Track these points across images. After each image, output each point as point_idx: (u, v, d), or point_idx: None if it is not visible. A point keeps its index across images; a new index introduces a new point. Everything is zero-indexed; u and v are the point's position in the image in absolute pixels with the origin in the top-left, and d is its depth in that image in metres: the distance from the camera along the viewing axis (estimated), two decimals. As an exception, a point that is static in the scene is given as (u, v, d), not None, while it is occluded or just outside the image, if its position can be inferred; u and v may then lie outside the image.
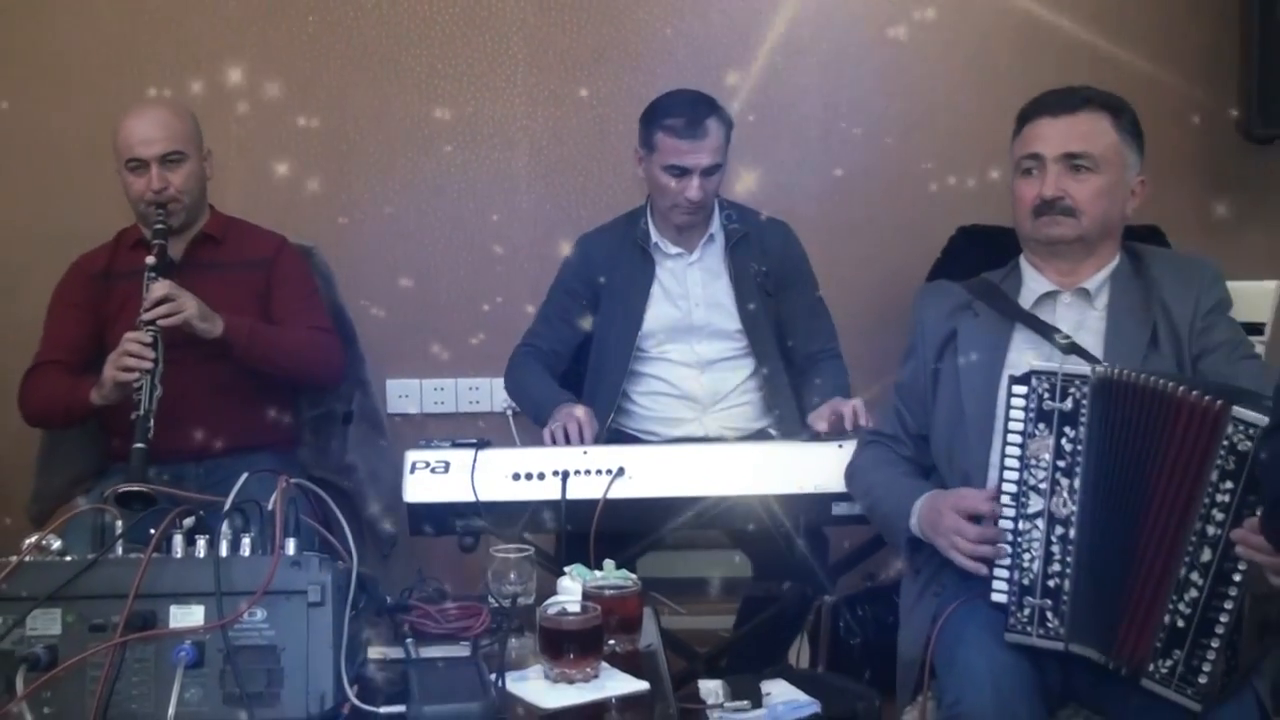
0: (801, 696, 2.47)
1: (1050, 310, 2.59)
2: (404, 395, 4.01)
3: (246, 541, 2.06)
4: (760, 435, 3.34)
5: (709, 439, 3.33)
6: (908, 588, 2.63)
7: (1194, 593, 2.11)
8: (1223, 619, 2.09)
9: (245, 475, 2.12)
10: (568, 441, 3.09)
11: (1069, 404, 2.28)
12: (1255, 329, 2.74)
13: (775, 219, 3.51)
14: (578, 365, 3.50)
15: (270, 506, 2.08)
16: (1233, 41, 3.71)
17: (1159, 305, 2.54)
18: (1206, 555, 2.10)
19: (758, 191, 3.80)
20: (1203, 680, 2.10)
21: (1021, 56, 3.84)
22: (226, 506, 2.08)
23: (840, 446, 2.91)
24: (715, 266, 3.41)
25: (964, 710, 2.24)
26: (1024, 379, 2.33)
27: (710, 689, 2.46)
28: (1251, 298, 2.82)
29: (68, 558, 2.06)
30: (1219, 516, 2.08)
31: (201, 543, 2.05)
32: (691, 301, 3.39)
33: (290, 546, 2.05)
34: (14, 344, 3.46)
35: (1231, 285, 2.73)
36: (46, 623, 2.01)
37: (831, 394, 3.18)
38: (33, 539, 2.08)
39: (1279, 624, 3.36)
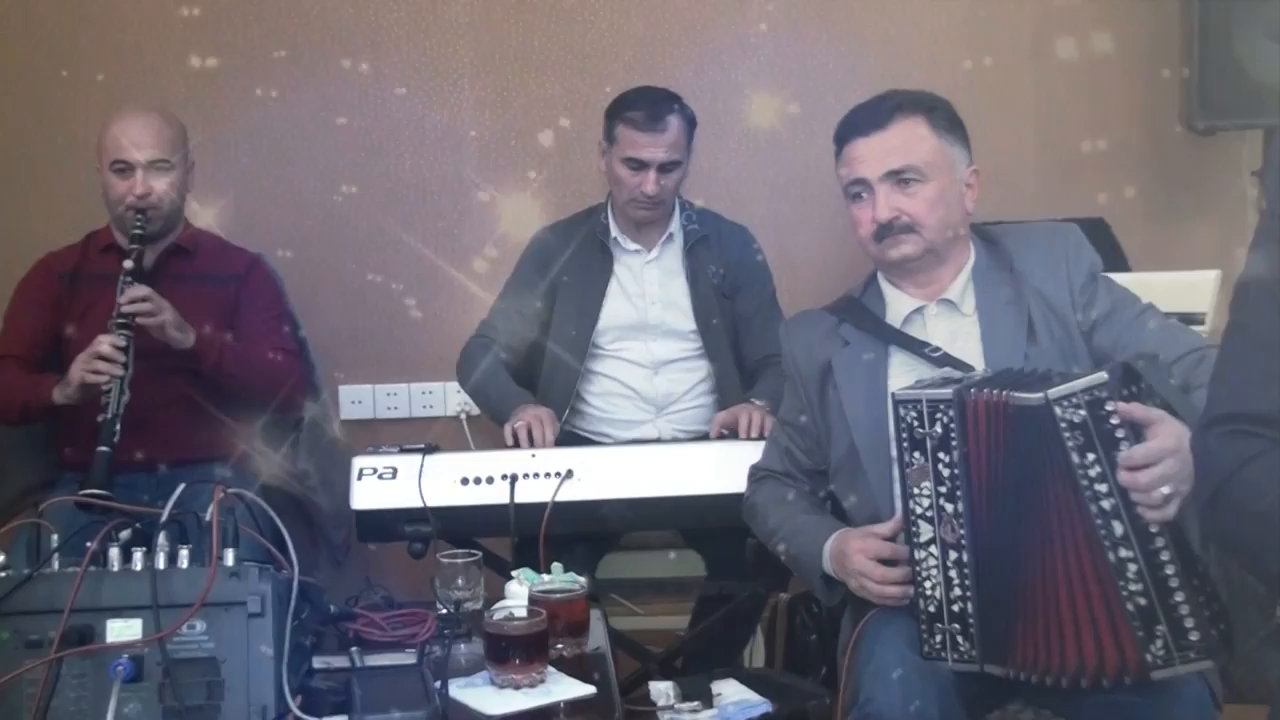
0: (753, 696, 2.49)
1: (920, 325, 2.53)
2: (356, 401, 3.96)
3: (185, 553, 2.02)
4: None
5: (661, 441, 3.32)
6: (845, 626, 2.57)
7: (1133, 567, 2.06)
8: (1169, 571, 2.04)
9: (181, 486, 2.10)
10: (531, 441, 3.07)
11: (939, 429, 2.22)
12: (1196, 319, 2.73)
13: (736, 223, 3.50)
14: (529, 363, 3.47)
15: (208, 517, 2.04)
16: (1174, 38, 3.72)
17: (1031, 294, 2.48)
18: (1119, 529, 2.07)
19: (711, 195, 3.77)
20: (1196, 637, 2.05)
21: (972, 54, 3.83)
22: (163, 518, 2.04)
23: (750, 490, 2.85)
24: (673, 266, 3.40)
25: (873, 710, 2.21)
26: (895, 406, 2.28)
27: (661, 690, 2.48)
28: (1194, 287, 2.81)
29: (4, 573, 2.01)
30: (1103, 489, 2.05)
31: (139, 555, 2.02)
32: (648, 300, 3.39)
33: (229, 557, 2.03)
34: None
35: (1174, 275, 2.73)
36: None
37: (762, 395, 3.17)
38: None
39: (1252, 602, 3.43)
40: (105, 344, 2.93)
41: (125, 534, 2.04)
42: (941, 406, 2.16)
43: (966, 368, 2.37)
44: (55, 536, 2.09)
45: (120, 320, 2.98)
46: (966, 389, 2.16)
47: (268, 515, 2.17)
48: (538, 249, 3.48)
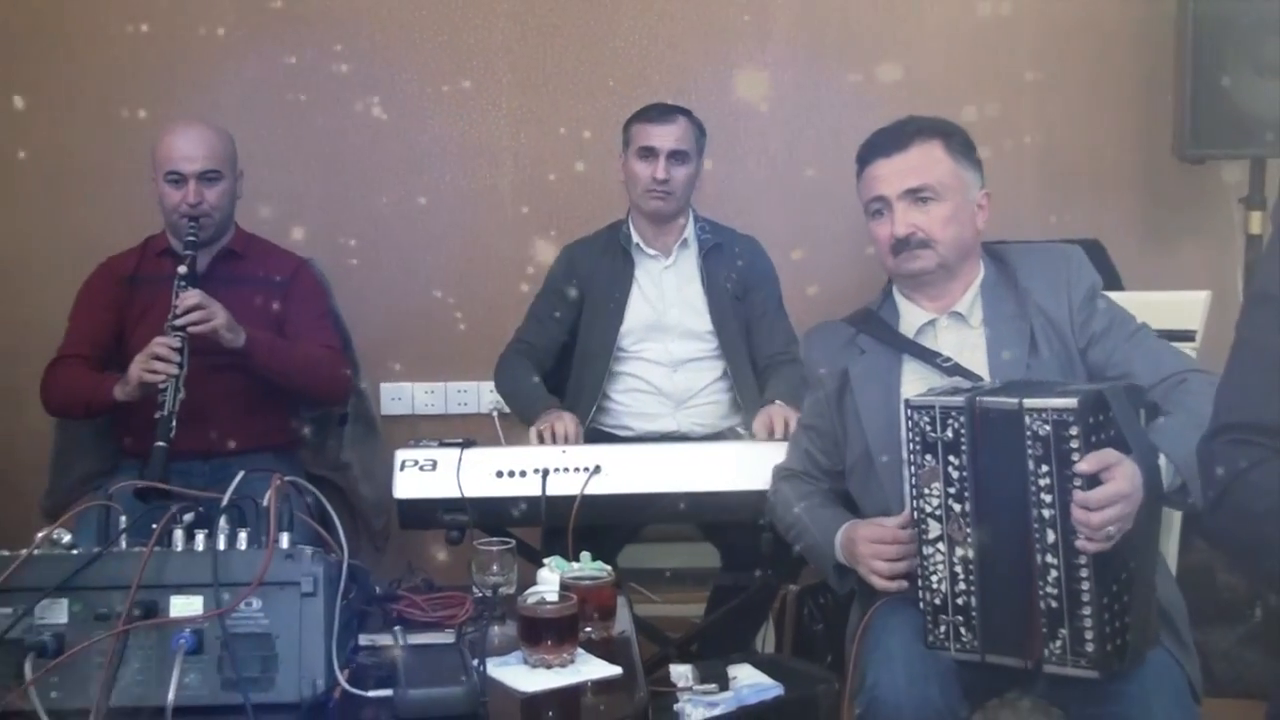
0: (766, 680, 2.48)
1: (932, 336, 2.52)
2: (396, 398, 3.98)
3: (243, 536, 2.02)
4: (729, 433, 3.32)
5: (680, 435, 3.32)
6: (854, 613, 2.58)
7: (1054, 574, 2.09)
8: (1085, 587, 2.07)
9: (241, 473, 2.09)
10: (554, 440, 3.07)
11: (950, 434, 2.21)
12: (1187, 336, 2.71)
13: (746, 234, 3.50)
14: (560, 366, 3.48)
15: (265, 503, 2.04)
16: (1167, 72, 3.70)
17: (1034, 309, 2.47)
18: (1051, 537, 2.09)
19: (728, 210, 3.77)
20: (1090, 649, 2.08)
21: (976, 88, 3.84)
22: (224, 503, 2.04)
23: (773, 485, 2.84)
24: (689, 271, 3.41)
25: (880, 694, 2.21)
26: (909, 411, 2.27)
27: (680, 673, 2.47)
28: (1185, 306, 2.78)
29: (75, 551, 2.02)
30: (1047, 499, 2.07)
31: (201, 537, 2.02)
32: (666, 303, 3.40)
33: (284, 540, 2.02)
34: (29, 347, 3.45)
35: (1166, 295, 2.71)
36: (54, 612, 1.98)
37: (780, 395, 3.16)
38: (42, 533, 2.04)
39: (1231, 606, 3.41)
40: (161, 346, 2.93)
41: (189, 517, 2.04)
42: (954, 413, 2.16)
43: (975, 377, 2.36)
44: (124, 518, 2.08)
45: (176, 323, 2.97)
46: (976, 397, 2.17)
47: (320, 502, 2.17)
48: (566, 262, 3.49)
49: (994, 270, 2.53)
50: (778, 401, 3.11)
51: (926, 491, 2.21)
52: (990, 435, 2.14)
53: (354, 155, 3.96)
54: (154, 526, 2.03)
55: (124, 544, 2.05)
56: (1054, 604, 2.08)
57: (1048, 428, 2.04)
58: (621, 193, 3.47)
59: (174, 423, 2.87)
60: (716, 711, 2.38)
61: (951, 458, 2.18)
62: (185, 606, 1.98)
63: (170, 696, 1.88)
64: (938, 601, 2.20)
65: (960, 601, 2.20)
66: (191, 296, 2.98)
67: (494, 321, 3.76)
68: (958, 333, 2.49)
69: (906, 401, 2.25)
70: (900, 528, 2.31)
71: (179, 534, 2.02)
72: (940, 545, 2.20)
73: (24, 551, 1.98)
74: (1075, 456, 2.02)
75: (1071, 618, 2.07)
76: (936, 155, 2.47)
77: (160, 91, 3.88)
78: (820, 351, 2.62)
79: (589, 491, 2.82)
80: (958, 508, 2.18)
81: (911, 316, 2.52)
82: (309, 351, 3.22)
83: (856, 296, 2.94)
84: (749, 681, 2.47)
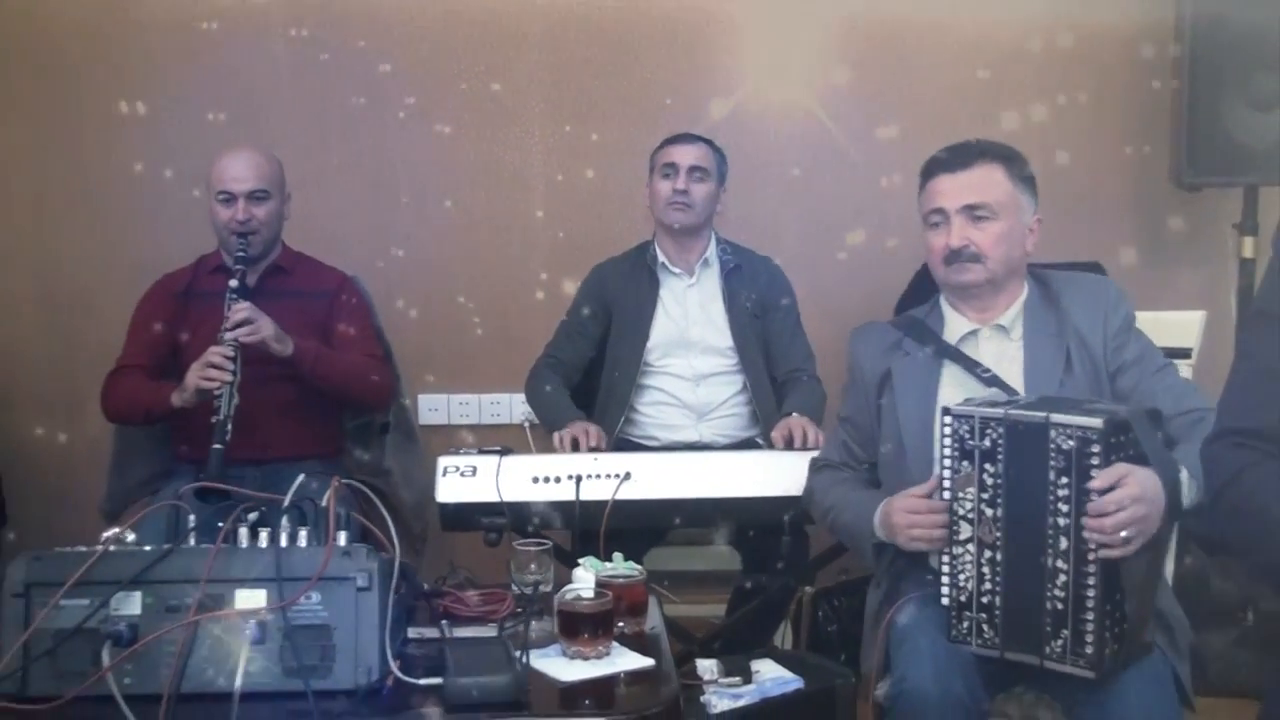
0: (787, 674, 2.51)
1: (974, 345, 2.55)
2: (433, 409, 4.02)
3: (304, 534, 2.06)
4: (749, 444, 3.32)
5: (702, 444, 3.34)
6: (871, 596, 2.59)
7: (1063, 578, 2.12)
8: (1090, 593, 2.10)
9: (302, 476, 2.12)
10: (576, 448, 3.10)
11: (987, 443, 2.23)
12: (1183, 353, 2.74)
13: (764, 256, 3.52)
14: (587, 379, 3.49)
15: (324, 503, 2.07)
16: (1166, 106, 3.74)
17: (1071, 331, 2.50)
18: (1064, 544, 2.12)
19: (749, 234, 3.80)
20: (1089, 650, 2.11)
21: (981, 119, 3.86)
22: (286, 503, 2.08)
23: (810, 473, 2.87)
24: (711, 291, 3.43)
25: (908, 686, 2.23)
26: (949, 418, 2.29)
27: (706, 667, 2.50)
28: (1181, 325, 2.81)
29: (146, 547, 2.05)
30: (1064, 509, 2.10)
31: (264, 535, 2.05)
32: (689, 320, 3.41)
33: (341, 539, 2.05)
34: (90, 359, 3.50)
35: (1163, 315, 2.74)
36: (128, 604, 2.00)
37: (797, 408, 3.18)
38: (111, 532, 2.08)
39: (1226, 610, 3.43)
40: (216, 355, 2.97)
41: (252, 516, 2.07)
42: (992, 424, 2.20)
43: (1011, 390, 2.40)
44: (192, 517, 2.13)
45: (229, 334, 3.01)
46: (1009, 410, 2.20)
47: (374, 504, 2.21)
48: (595, 280, 3.51)
49: (1037, 291, 2.56)
50: (795, 414, 3.13)
51: (960, 495, 2.24)
52: (1019, 446, 2.17)
53: (395, 180, 4.02)
54: (220, 525, 2.06)
55: (192, 541, 2.08)
56: (1059, 605, 2.12)
57: (1071, 443, 2.08)
58: (640, 218, 3.53)
59: (229, 426, 2.90)
60: (741, 703, 2.41)
61: (987, 465, 2.22)
62: (250, 599, 1.99)
63: (237, 683, 1.91)
64: (963, 599, 2.24)
65: (985, 600, 2.23)
66: (242, 308, 3.02)
67: (524, 338, 3.79)
68: (998, 344, 2.53)
69: (946, 409, 2.27)
70: (925, 494, 2.34)
71: (243, 532, 2.05)
72: (970, 546, 2.24)
73: (99, 547, 2.01)
74: (1094, 472, 2.06)
75: (1075, 620, 2.11)
76: (997, 177, 2.50)
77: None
78: (865, 349, 2.66)
79: (620, 497, 2.84)
80: (989, 512, 2.21)
81: (956, 325, 2.56)
82: (353, 360, 3.25)
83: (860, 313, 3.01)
84: (771, 675, 2.50)
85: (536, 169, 4.04)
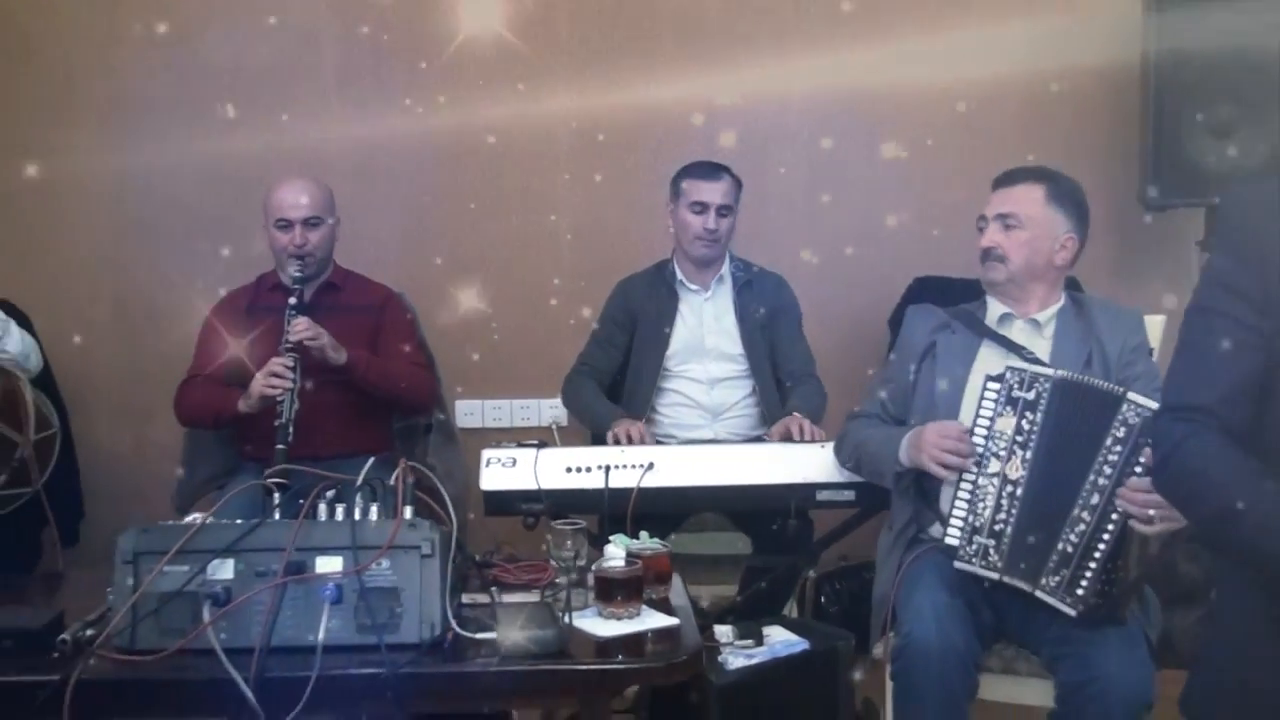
0: (794, 637, 2.64)
1: (1009, 330, 2.76)
2: (469, 413, 4.14)
3: (374, 509, 2.22)
4: (758, 441, 3.43)
5: (718, 441, 3.46)
6: (884, 539, 2.76)
7: (1082, 526, 2.32)
8: (1101, 547, 2.30)
9: (372, 459, 2.30)
10: (630, 442, 3.23)
11: (1032, 394, 2.46)
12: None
13: (773, 271, 3.68)
14: (613, 385, 3.62)
15: (391, 482, 2.24)
16: (1134, 133, 3.83)
17: (1095, 340, 2.69)
18: (1095, 500, 2.32)
19: (756, 250, 3.89)
20: (1080, 592, 2.32)
21: (972, 155, 3.97)
22: (359, 482, 2.24)
23: (822, 447, 3.06)
24: (725, 304, 3.57)
25: (914, 639, 2.42)
26: (999, 376, 2.51)
27: (723, 631, 2.64)
28: (1147, 326, 2.99)
29: (238, 521, 2.21)
30: (1108, 471, 2.31)
31: (339, 510, 2.21)
32: (705, 330, 3.55)
33: (407, 513, 2.21)
34: (159, 367, 3.67)
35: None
36: (223, 570, 2.15)
37: (798, 408, 3.32)
38: (197, 515, 2.25)
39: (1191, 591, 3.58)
40: (278, 364, 3.13)
41: (330, 493, 2.23)
42: (1041, 379, 2.46)
43: (1048, 366, 2.60)
44: (277, 495, 2.30)
45: (289, 345, 3.16)
46: (1073, 375, 2.46)
47: (433, 483, 2.37)
48: (621, 295, 3.66)
49: (1072, 304, 2.78)
50: (795, 413, 3.27)
51: (997, 433, 2.47)
52: (1080, 405, 2.41)
53: (440, 203, 4.16)
54: (301, 502, 2.21)
55: (276, 516, 2.25)
56: (1069, 549, 2.33)
57: (1137, 420, 2.31)
58: (665, 238, 3.66)
59: (291, 429, 3.06)
60: (754, 661, 2.57)
61: (1028, 413, 2.49)
62: (328, 565, 2.15)
63: (320, 637, 2.07)
64: (977, 524, 2.45)
65: (998, 527, 2.45)
66: (300, 323, 3.19)
67: (551, 348, 3.95)
68: (1029, 336, 2.74)
69: (1009, 366, 2.52)
70: (960, 428, 2.55)
71: (322, 507, 2.21)
72: (994, 480, 2.46)
73: (199, 520, 2.18)
74: (1148, 449, 2.24)
75: (1078, 564, 2.32)
76: (1035, 195, 2.75)
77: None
78: (918, 323, 2.89)
79: (644, 485, 2.97)
80: (1020, 452, 2.44)
81: (995, 310, 2.79)
82: (400, 367, 3.40)
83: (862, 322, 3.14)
84: (780, 638, 2.64)
85: (561, 195, 4.19)
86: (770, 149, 4.13)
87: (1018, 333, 2.78)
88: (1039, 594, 2.39)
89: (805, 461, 3.01)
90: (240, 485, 3.08)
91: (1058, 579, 2.37)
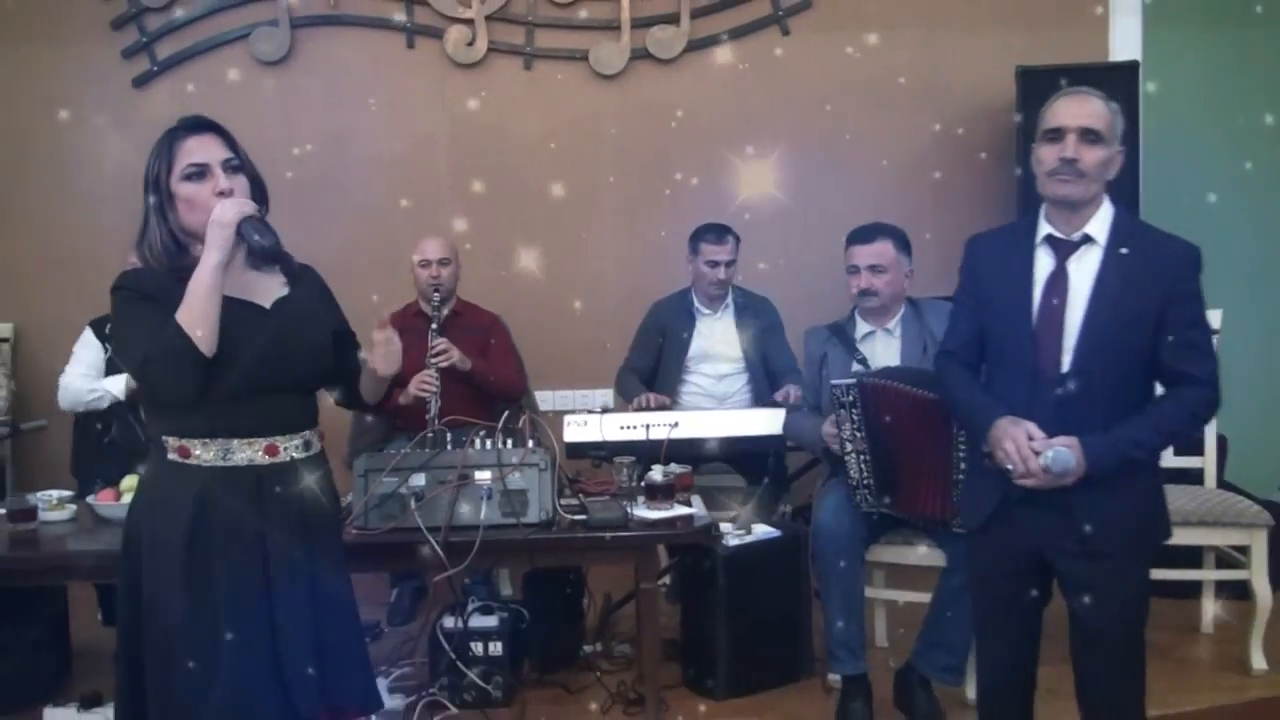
0: (772, 529, 3.41)
1: (872, 341, 3.37)
2: (543, 401, 4.61)
3: (509, 442, 3.01)
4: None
5: (723, 409, 3.99)
6: (819, 488, 3.34)
7: (959, 476, 2.90)
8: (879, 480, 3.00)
9: (507, 411, 3.13)
10: (647, 405, 3.81)
11: (850, 398, 3.03)
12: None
13: (764, 296, 4.22)
14: (647, 380, 4.14)
15: (520, 425, 3.10)
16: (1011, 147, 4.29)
17: (929, 333, 3.24)
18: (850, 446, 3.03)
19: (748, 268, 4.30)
20: (888, 500, 3.01)
21: (903, 198, 4.45)
22: (499, 426, 3.06)
23: (787, 411, 3.58)
24: (728, 321, 4.16)
25: (820, 525, 3.12)
26: (833, 389, 3.10)
27: (726, 525, 3.36)
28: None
29: (424, 449, 3.02)
30: (960, 441, 2.88)
31: (489, 443, 3.00)
32: (714, 340, 4.14)
33: (530, 444, 3.02)
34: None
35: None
36: (417, 479, 2.92)
37: (792, 382, 3.78)
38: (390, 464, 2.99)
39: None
40: (427, 376, 3.70)
41: (481, 433, 3.04)
42: (849, 389, 3.06)
43: (870, 370, 3.21)
44: (450, 434, 3.12)
45: (433, 359, 3.76)
46: (864, 377, 3.06)
47: (544, 429, 3.16)
48: (654, 313, 4.25)
49: (912, 311, 3.37)
50: (788, 385, 3.77)
51: (844, 429, 3.10)
52: (875, 399, 3.00)
53: (513, 241, 4.63)
54: (464, 439, 3.03)
55: (449, 448, 3.07)
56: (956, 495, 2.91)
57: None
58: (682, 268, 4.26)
59: (438, 420, 3.67)
60: (746, 540, 3.33)
61: (855, 411, 3.06)
62: (483, 476, 2.94)
63: (482, 515, 2.89)
64: (854, 482, 3.12)
65: (868, 483, 3.09)
66: (442, 342, 3.81)
67: (604, 352, 4.47)
68: (886, 342, 3.36)
69: (832, 384, 3.14)
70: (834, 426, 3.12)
71: (477, 442, 3.02)
72: (853, 454, 3.09)
73: (405, 450, 2.99)
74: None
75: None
76: (889, 246, 3.31)
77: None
78: (814, 341, 3.48)
79: (673, 436, 3.56)
80: (860, 435, 3.06)
81: (862, 328, 3.41)
82: (503, 371, 4.07)
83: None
84: (762, 530, 3.41)
85: (608, 231, 4.71)
86: (761, 222, 4.54)
87: (879, 342, 3.33)
88: (955, 529, 2.94)
89: (778, 423, 3.61)
90: (401, 445, 3.61)
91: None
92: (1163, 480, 2.47)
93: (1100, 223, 2.36)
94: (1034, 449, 2.28)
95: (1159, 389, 2.40)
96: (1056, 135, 2.32)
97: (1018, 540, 2.40)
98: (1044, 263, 2.38)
